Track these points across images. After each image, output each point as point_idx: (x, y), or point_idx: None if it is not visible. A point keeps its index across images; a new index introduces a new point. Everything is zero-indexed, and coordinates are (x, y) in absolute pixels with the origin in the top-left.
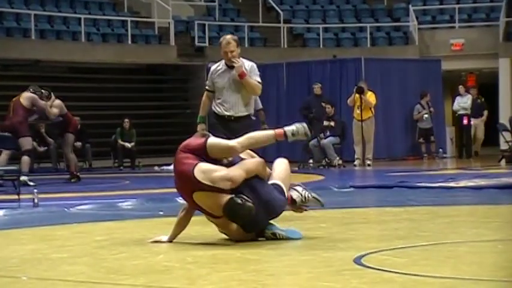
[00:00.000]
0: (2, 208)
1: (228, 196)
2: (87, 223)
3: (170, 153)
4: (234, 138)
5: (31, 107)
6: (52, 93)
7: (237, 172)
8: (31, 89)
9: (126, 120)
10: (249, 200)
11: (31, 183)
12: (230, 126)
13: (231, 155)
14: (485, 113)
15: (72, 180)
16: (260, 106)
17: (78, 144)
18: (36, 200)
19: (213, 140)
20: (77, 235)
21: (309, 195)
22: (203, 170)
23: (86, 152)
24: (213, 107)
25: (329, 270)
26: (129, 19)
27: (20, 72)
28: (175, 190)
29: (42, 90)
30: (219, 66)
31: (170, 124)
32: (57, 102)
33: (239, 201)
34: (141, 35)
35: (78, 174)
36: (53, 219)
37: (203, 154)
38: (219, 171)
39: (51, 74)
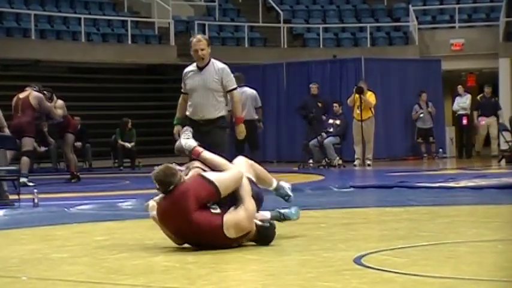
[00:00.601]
0: (2, 208)
1: (253, 226)
2: (87, 223)
3: (170, 154)
4: (204, 142)
5: (38, 106)
6: (53, 94)
7: (251, 204)
8: (35, 88)
9: (126, 119)
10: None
11: (30, 184)
12: (201, 130)
13: (240, 181)
14: (500, 112)
15: (73, 181)
16: (259, 104)
17: (78, 144)
18: (36, 200)
19: (220, 181)
20: (77, 235)
21: None
22: (229, 226)
23: (86, 152)
24: (187, 110)
25: (329, 270)
26: (129, 19)
27: (20, 72)
28: None
29: (45, 92)
30: (190, 68)
31: (170, 124)
32: (60, 102)
33: (267, 224)
34: (141, 35)
35: (78, 174)
36: (53, 219)
37: (216, 199)
38: (242, 217)
39: (51, 74)
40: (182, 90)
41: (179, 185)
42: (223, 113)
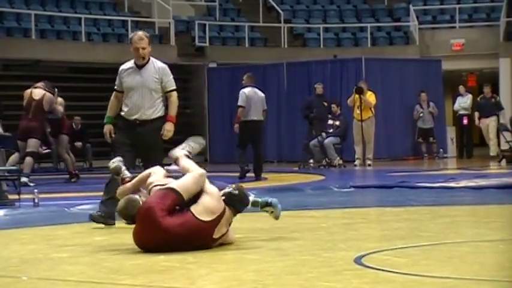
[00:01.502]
0: (2, 208)
1: (222, 205)
2: (87, 223)
3: None
4: (138, 143)
5: (48, 108)
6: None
7: (212, 187)
8: (46, 88)
9: None
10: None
11: (31, 184)
12: (135, 130)
13: (202, 183)
14: (503, 112)
15: (72, 180)
16: (265, 107)
17: (79, 144)
18: (36, 200)
19: (179, 185)
20: (77, 235)
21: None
22: (200, 212)
23: (86, 152)
24: (121, 109)
25: (329, 270)
26: (129, 19)
27: (20, 72)
28: None
29: (56, 89)
30: (127, 65)
31: None
32: (60, 100)
33: (236, 191)
34: None
35: (76, 172)
36: (53, 219)
37: (181, 202)
38: (207, 199)
39: (51, 74)
40: (116, 88)
41: (141, 207)
42: (160, 114)
